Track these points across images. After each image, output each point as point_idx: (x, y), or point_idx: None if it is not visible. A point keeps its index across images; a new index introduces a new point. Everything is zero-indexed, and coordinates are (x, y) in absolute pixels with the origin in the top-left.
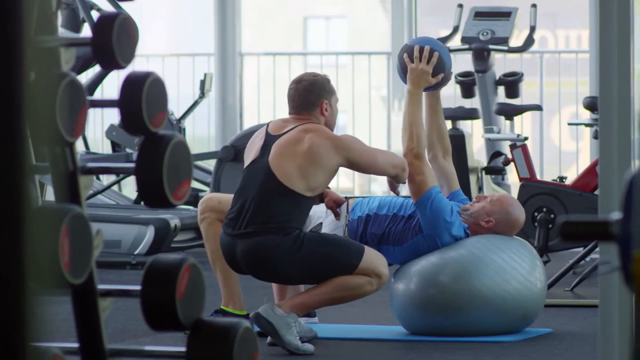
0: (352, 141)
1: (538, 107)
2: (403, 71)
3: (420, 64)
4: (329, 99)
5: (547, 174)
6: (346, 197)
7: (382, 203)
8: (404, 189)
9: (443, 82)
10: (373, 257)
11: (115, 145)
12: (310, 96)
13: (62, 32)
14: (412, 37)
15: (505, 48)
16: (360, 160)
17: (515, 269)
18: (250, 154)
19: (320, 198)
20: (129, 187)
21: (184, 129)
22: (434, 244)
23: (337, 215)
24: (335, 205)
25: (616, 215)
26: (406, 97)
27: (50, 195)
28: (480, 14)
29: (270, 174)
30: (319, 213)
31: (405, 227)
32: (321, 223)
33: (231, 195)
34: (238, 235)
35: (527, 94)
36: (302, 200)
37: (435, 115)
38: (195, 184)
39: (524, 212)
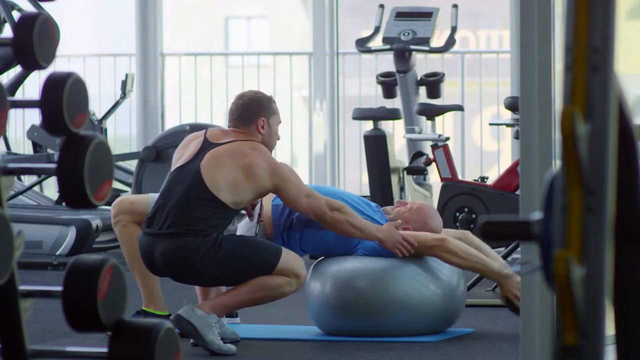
0: (289, 173)
1: (459, 107)
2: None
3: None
4: (267, 117)
5: (468, 174)
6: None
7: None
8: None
9: None
10: (291, 258)
11: (36, 146)
12: (248, 111)
13: None
14: (333, 37)
15: (427, 48)
16: (287, 194)
17: (434, 273)
18: (182, 156)
19: None
20: (51, 188)
21: (106, 130)
22: None
23: (250, 216)
24: (250, 206)
25: (537, 215)
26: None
27: None
28: (401, 15)
29: (199, 179)
30: None
31: None
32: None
33: (144, 196)
34: (158, 234)
35: (449, 94)
36: (226, 211)
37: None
38: (116, 185)
39: (441, 223)
